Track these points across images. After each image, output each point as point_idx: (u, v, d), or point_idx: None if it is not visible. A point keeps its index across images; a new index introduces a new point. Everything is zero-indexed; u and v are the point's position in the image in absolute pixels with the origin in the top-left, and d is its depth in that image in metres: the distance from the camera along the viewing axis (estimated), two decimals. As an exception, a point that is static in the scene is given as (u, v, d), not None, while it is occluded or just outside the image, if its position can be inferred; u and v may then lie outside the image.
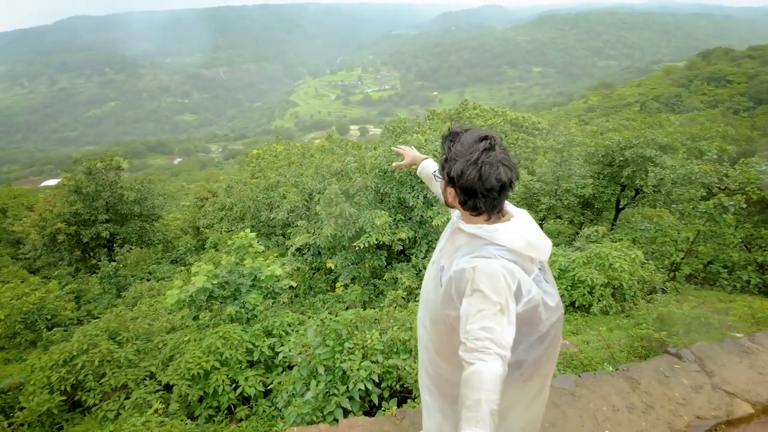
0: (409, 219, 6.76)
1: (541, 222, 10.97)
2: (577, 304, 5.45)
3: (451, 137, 1.17)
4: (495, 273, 1.05)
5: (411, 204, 6.41)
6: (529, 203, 11.23)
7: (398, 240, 6.03)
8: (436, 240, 6.30)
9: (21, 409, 3.96)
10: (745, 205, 5.72)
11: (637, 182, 8.63)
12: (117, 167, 14.66)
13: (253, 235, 4.36)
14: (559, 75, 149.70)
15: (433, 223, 5.98)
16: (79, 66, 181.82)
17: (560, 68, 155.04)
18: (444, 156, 1.18)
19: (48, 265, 13.70)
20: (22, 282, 9.58)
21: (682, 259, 6.51)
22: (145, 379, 4.13)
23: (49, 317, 8.18)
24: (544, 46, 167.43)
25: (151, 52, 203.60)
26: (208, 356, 3.73)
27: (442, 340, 1.23)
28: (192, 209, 15.30)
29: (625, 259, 5.32)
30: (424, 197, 6.46)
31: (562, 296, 5.68)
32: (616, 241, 6.04)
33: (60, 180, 14.98)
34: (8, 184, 29.58)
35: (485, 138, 1.12)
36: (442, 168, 1.18)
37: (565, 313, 4.99)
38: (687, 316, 3.96)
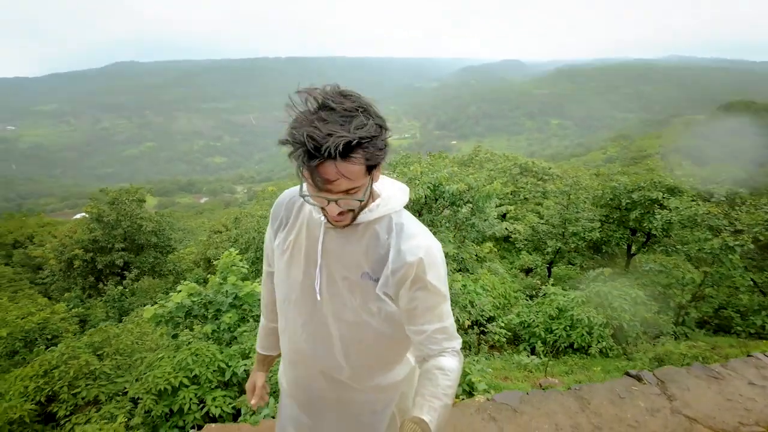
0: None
1: (549, 265, 10.69)
2: (575, 346, 5.16)
3: (360, 109, 0.80)
4: (437, 261, 0.98)
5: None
6: (536, 246, 11.04)
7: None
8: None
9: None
10: (753, 246, 5.45)
11: (645, 225, 8.42)
12: (140, 199, 15.33)
13: (236, 252, 4.40)
14: (577, 127, 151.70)
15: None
16: (121, 108, 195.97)
17: (578, 120, 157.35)
18: (372, 134, 0.81)
19: (62, 290, 14.01)
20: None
21: (690, 302, 6.15)
22: (117, 395, 4.05)
23: (49, 337, 8.24)
24: (561, 99, 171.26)
25: (188, 97, 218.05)
26: (177, 372, 3.65)
27: (384, 338, 1.05)
28: (205, 242, 15.63)
29: (625, 299, 5.07)
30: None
31: (560, 337, 5.41)
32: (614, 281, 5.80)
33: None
34: (39, 214, 31.06)
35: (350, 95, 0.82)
36: (372, 149, 0.81)
37: (563, 355, 4.71)
38: (685, 356, 3.68)
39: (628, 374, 1.94)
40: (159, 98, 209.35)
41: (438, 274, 0.97)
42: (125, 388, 4.17)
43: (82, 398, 4.04)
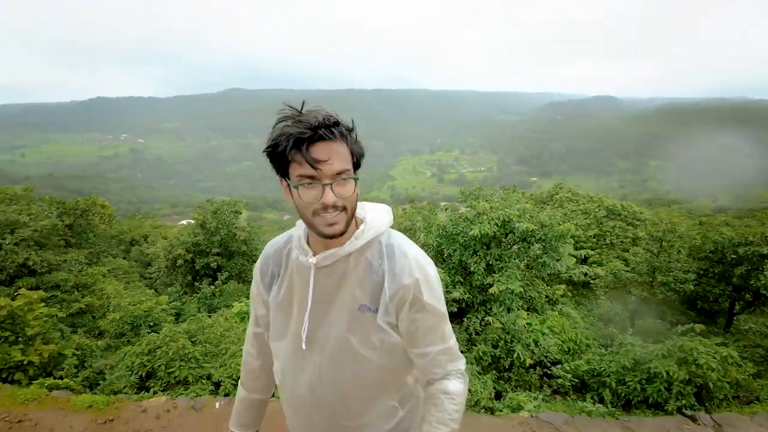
0: (470, 284, 6.74)
1: (630, 317, 9.81)
2: (651, 401, 4.75)
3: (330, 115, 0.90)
4: (431, 279, 0.98)
5: (472, 269, 6.45)
6: (618, 294, 10.24)
7: (452, 300, 6.05)
8: (496, 306, 6.15)
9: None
10: None
11: (752, 283, 7.46)
12: (237, 211, 17.25)
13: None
14: (681, 171, 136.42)
15: (491, 290, 5.91)
16: (228, 129, 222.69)
17: (683, 163, 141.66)
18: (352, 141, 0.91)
19: (165, 285, 16.04)
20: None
21: (798, 372, 5.30)
22: (202, 378, 4.66)
23: (151, 324, 9.52)
24: (662, 139, 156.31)
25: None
26: (255, 362, 4.15)
27: (385, 370, 1.02)
28: (283, 255, 16.86)
29: (714, 357, 4.58)
30: (487, 264, 6.46)
31: (633, 389, 5.02)
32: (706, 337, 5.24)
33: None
34: (154, 217, 35.99)
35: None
36: (352, 137, 0.92)
37: (635, 409, 4.44)
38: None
39: (682, 414, 1.90)
40: (259, 122, 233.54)
41: (434, 293, 0.97)
42: (210, 372, 4.78)
43: (175, 377, 4.70)
